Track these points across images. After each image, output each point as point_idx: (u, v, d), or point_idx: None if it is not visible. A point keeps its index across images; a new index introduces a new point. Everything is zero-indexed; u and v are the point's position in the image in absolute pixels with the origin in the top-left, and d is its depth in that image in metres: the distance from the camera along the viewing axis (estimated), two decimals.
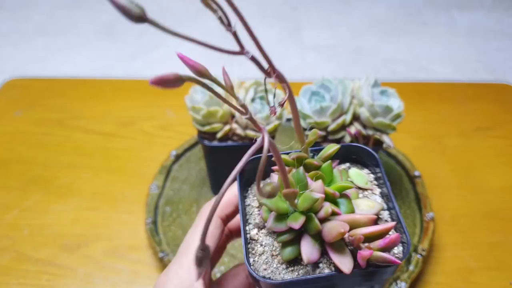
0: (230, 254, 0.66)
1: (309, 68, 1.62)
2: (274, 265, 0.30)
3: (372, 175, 0.35)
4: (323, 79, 0.65)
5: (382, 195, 0.34)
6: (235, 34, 0.23)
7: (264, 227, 0.32)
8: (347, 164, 0.36)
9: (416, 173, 0.75)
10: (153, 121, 0.90)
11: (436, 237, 0.69)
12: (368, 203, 0.31)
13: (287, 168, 0.31)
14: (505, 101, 0.95)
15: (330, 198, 0.29)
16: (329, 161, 0.32)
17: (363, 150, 0.35)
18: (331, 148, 0.32)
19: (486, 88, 1.00)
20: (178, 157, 0.80)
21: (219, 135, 0.64)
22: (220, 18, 0.22)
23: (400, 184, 0.75)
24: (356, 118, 0.64)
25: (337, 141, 0.63)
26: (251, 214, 0.34)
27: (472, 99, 0.95)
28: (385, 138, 0.62)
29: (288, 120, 0.81)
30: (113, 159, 0.82)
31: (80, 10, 1.82)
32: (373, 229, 0.28)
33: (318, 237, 0.29)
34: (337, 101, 0.61)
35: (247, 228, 0.33)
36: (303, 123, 0.62)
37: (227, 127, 0.64)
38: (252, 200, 0.35)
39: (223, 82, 0.25)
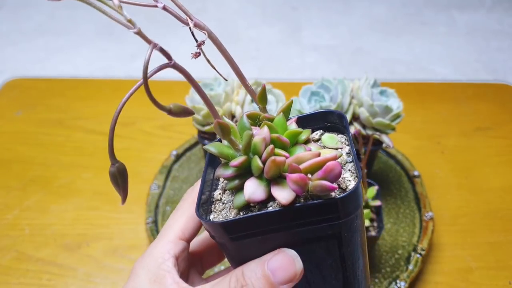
0: None
1: (309, 68, 1.62)
2: (231, 217, 0.30)
3: (344, 138, 0.35)
4: (323, 79, 0.65)
5: (350, 152, 0.33)
6: (140, 33, 0.24)
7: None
8: (320, 131, 0.35)
9: (416, 173, 0.75)
10: (153, 121, 0.90)
11: (435, 236, 0.69)
12: (325, 151, 0.31)
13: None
14: (505, 101, 0.95)
15: (278, 145, 0.29)
16: (282, 114, 0.31)
17: (333, 114, 0.35)
18: (286, 103, 0.32)
19: (486, 88, 1.01)
20: (178, 157, 0.80)
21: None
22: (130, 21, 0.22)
23: (399, 183, 0.75)
24: (355, 118, 0.64)
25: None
26: (220, 181, 0.34)
27: (472, 99, 0.95)
28: (385, 138, 0.62)
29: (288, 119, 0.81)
30: None
31: (80, 10, 1.83)
32: (312, 161, 0.27)
33: (264, 179, 0.28)
34: (336, 101, 0.61)
35: (214, 193, 0.33)
36: None
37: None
38: None
39: None
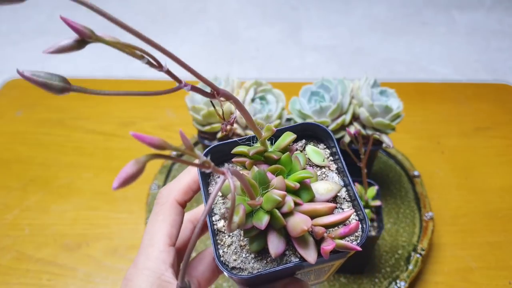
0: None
1: (309, 68, 1.62)
2: (243, 255, 0.31)
3: (328, 150, 0.36)
4: (323, 79, 0.65)
5: (339, 171, 0.35)
6: (168, 72, 0.23)
7: None
8: (303, 141, 0.37)
9: (416, 173, 0.75)
10: (153, 121, 0.90)
11: (435, 236, 0.69)
12: (326, 186, 0.33)
13: (247, 160, 0.33)
14: (505, 101, 0.95)
15: (291, 190, 0.31)
16: (288, 153, 0.33)
17: (317, 126, 0.36)
18: (287, 138, 0.33)
19: (486, 88, 1.00)
20: (178, 157, 0.80)
21: (219, 135, 0.64)
22: (148, 63, 0.22)
23: (399, 183, 0.75)
24: (355, 118, 0.64)
25: (337, 140, 0.63)
26: (216, 203, 0.34)
27: (472, 99, 0.95)
28: (385, 138, 0.62)
29: (288, 120, 0.81)
30: (113, 159, 0.83)
31: (80, 10, 1.82)
32: (333, 219, 0.30)
33: (283, 230, 0.30)
34: (336, 101, 0.61)
35: (213, 219, 0.33)
36: None
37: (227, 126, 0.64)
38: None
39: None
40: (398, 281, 0.62)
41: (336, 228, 0.31)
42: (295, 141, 0.36)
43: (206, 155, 0.34)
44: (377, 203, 0.60)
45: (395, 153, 0.79)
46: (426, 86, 1.01)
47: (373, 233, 0.60)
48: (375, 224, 0.61)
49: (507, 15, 1.85)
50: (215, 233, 0.32)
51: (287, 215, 0.29)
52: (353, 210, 0.32)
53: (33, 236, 0.70)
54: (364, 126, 0.63)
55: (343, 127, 0.63)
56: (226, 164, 0.36)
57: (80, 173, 0.80)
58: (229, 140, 0.35)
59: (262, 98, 0.65)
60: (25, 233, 0.71)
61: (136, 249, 0.69)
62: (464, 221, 0.72)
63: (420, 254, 0.64)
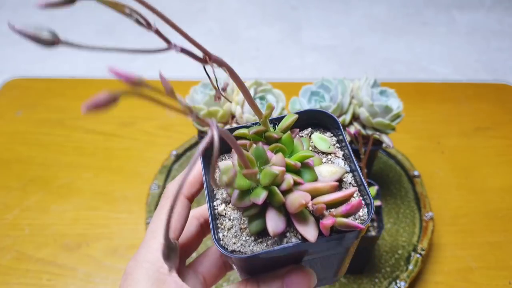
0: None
1: (309, 68, 1.62)
2: (243, 238, 0.30)
3: (334, 138, 0.35)
4: (323, 79, 0.65)
5: (345, 157, 0.34)
6: (157, 32, 0.23)
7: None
8: (309, 129, 0.36)
9: (416, 173, 0.75)
10: (153, 121, 0.90)
11: (435, 236, 0.69)
12: (330, 168, 0.31)
13: (247, 142, 0.31)
14: (505, 101, 0.95)
15: (291, 169, 0.29)
16: (289, 131, 0.32)
17: (322, 113, 0.35)
18: (290, 118, 0.32)
19: (486, 88, 1.00)
20: (178, 157, 0.80)
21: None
22: (137, 21, 0.22)
23: (399, 183, 0.75)
24: (355, 118, 0.64)
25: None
26: (218, 189, 0.34)
27: (472, 99, 0.95)
28: (385, 138, 0.62)
29: None
30: (113, 159, 0.83)
31: (80, 10, 1.83)
32: (335, 196, 0.28)
33: (282, 209, 0.29)
34: (336, 101, 0.61)
35: (214, 203, 0.33)
36: None
37: (227, 127, 0.64)
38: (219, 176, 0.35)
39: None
40: (398, 281, 0.62)
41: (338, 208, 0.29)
42: (301, 129, 0.35)
43: (204, 152, 0.34)
44: (377, 203, 0.60)
45: (395, 153, 0.79)
46: (426, 86, 1.01)
47: (373, 233, 0.60)
48: (375, 224, 0.61)
49: (507, 15, 1.85)
50: (216, 217, 0.32)
51: (286, 192, 0.28)
52: (356, 188, 0.31)
53: (33, 236, 0.70)
54: (364, 126, 0.63)
55: (343, 127, 0.63)
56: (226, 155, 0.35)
57: (80, 173, 0.80)
58: (231, 127, 0.33)
59: (262, 98, 0.65)
60: (25, 233, 0.71)
61: (136, 249, 0.68)
62: (464, 221, 0.72)
63: (420, 254, 0.64)
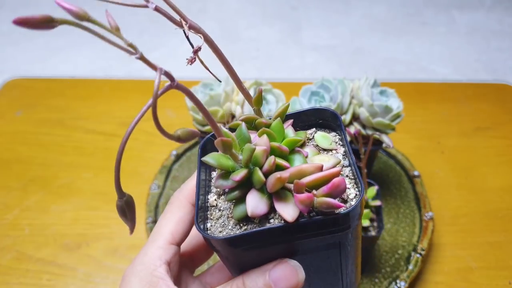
0: None
1: (309, 68, 1.62)
2: (230, 227, 0.29)
3: (338, 137, 0.35)
4: (323, 79, 0.65)
5: (346, 154, 0.33)
6: None
7: (224, 194, 0.32)
8: (313, 129, 0.35)
9: (416, 173, 0.75)
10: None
11: (435, 236, 0.69)
12: (323, 158, 0.30)
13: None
14: (505, 101, 0.95)
15: (277, 153, 0.28)
16: (278, 118, 0.31)
17: (326, 111, 0.34)
18: (282, 106, 0.32)
19: (486, 88, 1.00)
20: (178, 157, 0.80)
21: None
22: None
23: (399, 183, 0.75)
24: (355, 118, 0.64)
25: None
26: (213, 182, 0.33)
27: (472, 99, 0.95)
28: (385, 138, 0.62)
29: None
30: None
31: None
32: (316, 176, 0.27)
33: (266, 192, 0.28)
34: (336, 101, 0.61)
35: (208, 196, 0.32)
36: None
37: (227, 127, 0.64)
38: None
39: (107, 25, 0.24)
40: (398, 281, 0.62)
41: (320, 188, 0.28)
42: (305, 129, 0.35)
43: (204, 145, 0.34)
44: (377, 203, 0.60)
45: (395, 153, 0.79)
46: (426, 86, 1.01)
47: (373, 233, 0.60)
48: (375, 224, 0.61)
49: (507, 15, 1.85)
50: (207, 208, 0.31)
51: (269, 174, 0.27)
52: (341, 168, 0.29)
53: (33, 236, 0.70)
54: (364, 126, 0.63)
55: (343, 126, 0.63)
56: None
57: (80, 173, 0.80)
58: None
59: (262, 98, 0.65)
60: (25, 233, 0.71)
61: (136, 248, 0.69)
62: (464, 221, 0.72)
63: (420, 254, 0.64)
